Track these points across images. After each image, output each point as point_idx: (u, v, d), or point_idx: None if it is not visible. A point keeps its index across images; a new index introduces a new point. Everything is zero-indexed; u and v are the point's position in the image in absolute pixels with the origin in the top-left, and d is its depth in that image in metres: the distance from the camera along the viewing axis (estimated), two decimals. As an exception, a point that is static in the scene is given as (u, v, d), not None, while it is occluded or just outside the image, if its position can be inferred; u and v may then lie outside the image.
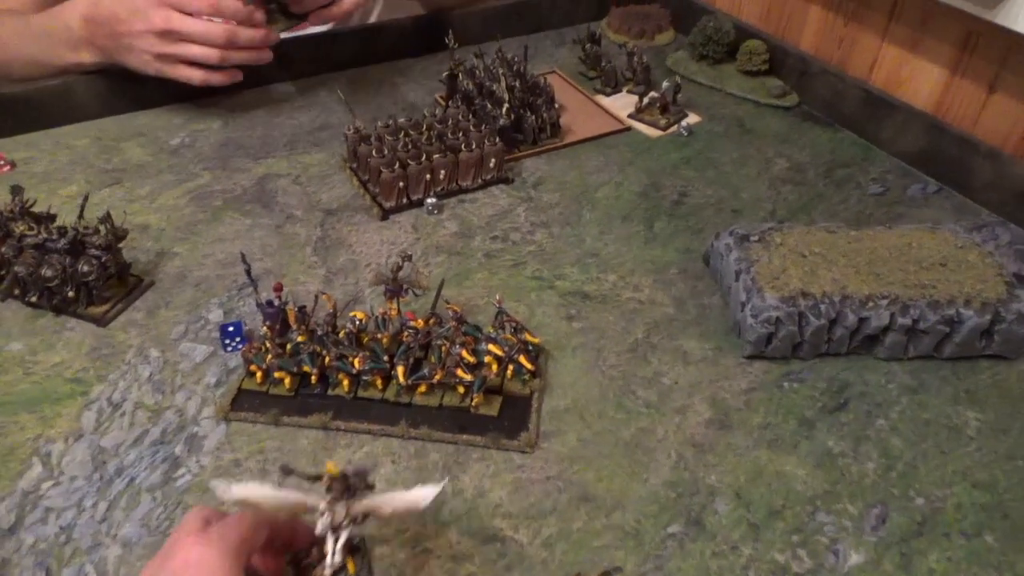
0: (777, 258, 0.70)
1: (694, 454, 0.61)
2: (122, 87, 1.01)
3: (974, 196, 0.89)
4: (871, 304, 0.66)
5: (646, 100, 1.04)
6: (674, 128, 1.01)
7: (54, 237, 0.70)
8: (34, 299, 0.71)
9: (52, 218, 0.75)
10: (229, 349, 0.68)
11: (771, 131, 1.02)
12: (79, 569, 0.53)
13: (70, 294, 0.70)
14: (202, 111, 1.03)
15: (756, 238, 0.73)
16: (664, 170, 0.94)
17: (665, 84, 1.01)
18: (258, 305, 0.68)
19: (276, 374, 0.64)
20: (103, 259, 0.71)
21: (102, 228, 0.71)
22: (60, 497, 0.57)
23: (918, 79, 0.96)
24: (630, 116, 1.04)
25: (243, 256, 0.68)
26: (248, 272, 0.67)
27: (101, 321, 0.71)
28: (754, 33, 1.12)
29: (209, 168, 0.93)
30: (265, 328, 0.66)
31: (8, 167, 0.91)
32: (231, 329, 0.69)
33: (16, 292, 0.72)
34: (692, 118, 1.03)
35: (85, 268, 0.70)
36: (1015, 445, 0.62)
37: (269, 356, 0.64)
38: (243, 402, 0.64)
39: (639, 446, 0.61)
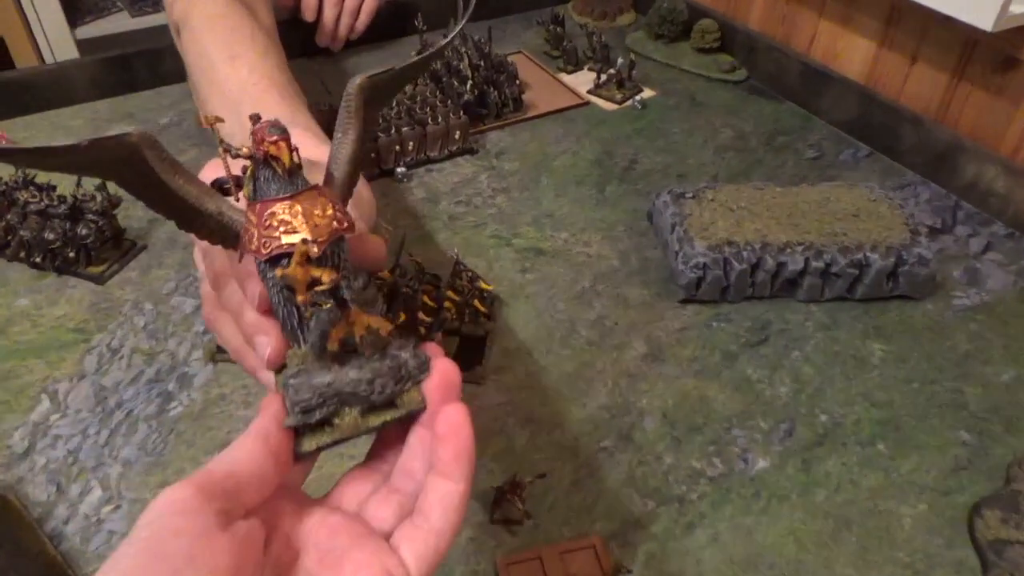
0: (708, 212, 0.78)
1: (628, 383, 0.69)
2: (114, 72, 1.08)
3: (901, 159, 0.97)
4: (789, 250, 0.74)
5: (604, 77, 1.11)
6: (629, 102, 1.09)
7: (55, 204, 0.77)
8: (38, 260, 0.78)
9: (53, 188, 0.82)
10: (215, 301, 0.76)
11: (720, 104, 1.09)
12: (85, 484, 0.60)
13: (71, 255, 0.77)
14: (187, 94, 1.10)
15: (691, 195, 0.80)
16: (617, 140, 1.02)
17: (620, 61, 1.09)
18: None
19: (257, 320, 0.71)
20: (100, 223, 0.78)
21: (98, 196, 0.79)
22: (67, 427, 0.65)
23: (851, 52, 1.04)
24: (589, 92, 1.11)
25: (226, 217, 0.76)
26: (231, 231, 0.74)
27: (99, 279, 0.79)
28: (706, 12, 1.20)
29: (195, 144, 1.00)
30: (247, 281, 0.73)
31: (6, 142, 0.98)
32: (217, 283, 0.76)
33: (22, 255, 0.79)
34: (646, 93, 1.11)
35: (83, 231, 0.77)
36: (912, 371, 0.70)
37: (251, 305, 0.71)
38: (228, 346, 0.71)
39: (580, 377, 0.69)
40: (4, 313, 0.75)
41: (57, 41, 1.87)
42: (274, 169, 0.36)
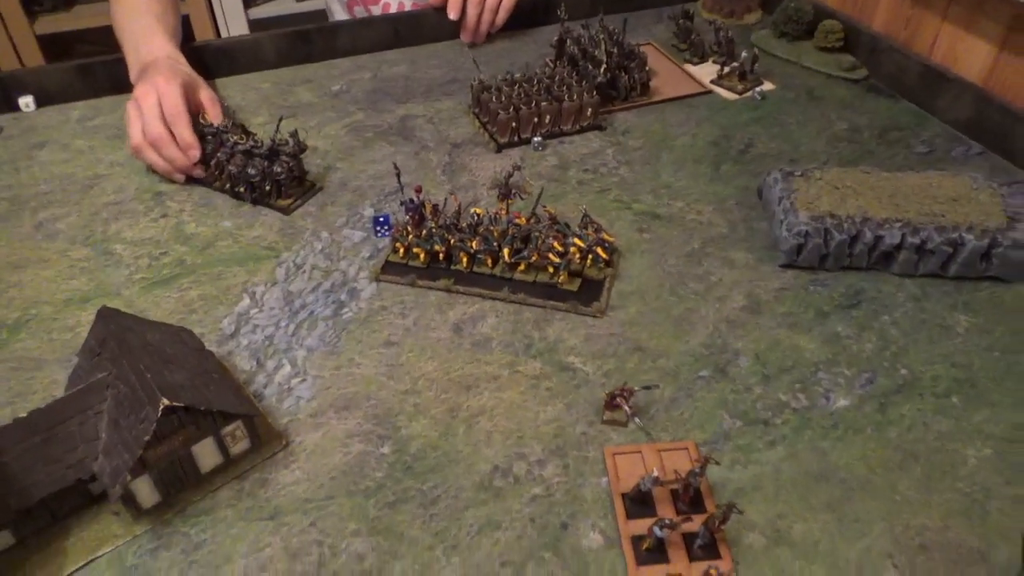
0: (814, 189, 0.86)
1: (727, 328, 0.78)
2: (296, 44, 1.26)
3: (1013, 159, 1.01)
4: (887, 226, 0.81)
5: (727, 69, 1.20)
6: (749, 93, 1.17)
7: (259, 145, 0.94)
8: (240, 190, 0.95)
9: (254, 134, 0.99)
10: (379, 234, 0.91)
11: (837, 99, 1.16)
12: (278, 361, 0.76)
13: (267, 188, 0.94)
14: (357, 66, 1.27)
15: (799, 174, 0.89)
16: (735, 126, 1.10)
17: (744, 54, 1.17)
18: (402, 203, 0.89)
19: (415, 250, 0.85)
20: (291, 164, 0.94)
21: (290, 140, 0.95)
22: (263, 318, 0.81)
23: (970, 55, 1.08)
24: (712, 82, 1.20)
25: (395, 164, 0.91)
26: (398, 175, 0.89)
27: (286, 211, 0.95)
28: (832, 14, 1.26)
29: (362, 108, 1.16)
30: (408, 218, 0.88)
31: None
32: (381, 219, 0.91)
33: (228, 186, 0.97)
34: (767, 86, 1.19)
35: (278, 169, 0.94)
36: (995, 341, 0.76)
37: (410, 237, 0.86)
38: (389, 270, 0.86)
39: (685, 320, 0.80)
40: (212, 231, 0.92)
41: (233, 20, 2.11)
42: None
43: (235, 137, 0.96)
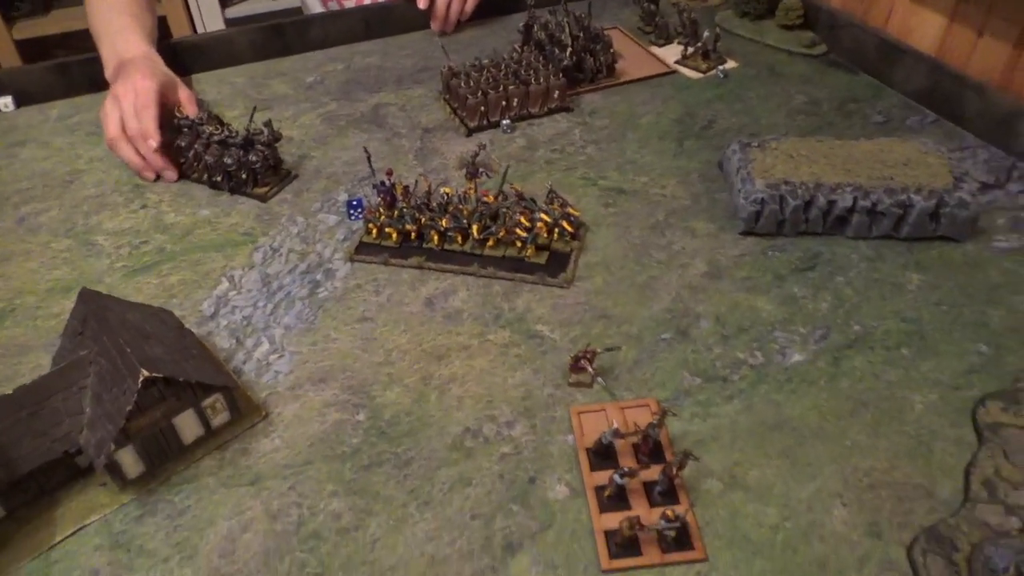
0: (770, 158, 0.89)
1: (689, 293, 0.82)
2: (269, 38, 1.28)
3: (964, 125, 1.04)
4: (839, 190, 0.85)
5: (691, 49, 1.23)
6: (713, 72, 1.21)
7: (233, 135, 0.96)
8: (217, 179, 0.98)
9: (229, 125, 1.01)
10: (352, 217, 0.93)
11: (797, 74, 1.19)
12: (257, 339, 0.79)
13: (243, 177, 0.97)
14: (330, 58, 1.30)
15: (756, 144, 0.92)
16: (699, 104, 1.14)
17: (706, 34, 1.21)
18: (374, 186, 0.92)
19: (387, 230, 0.88)
20: (266, 153, 0.97)
21: (265, 130, 0.98)
22: (242, 300, 0.83)
23: (923, 27, 1.12)
24: (676, 62, 1.23)
25: (365, 149, 0.93)
26: (368, 159, 0.92)
27: (263, 199, 0.98)
28: (792, -8, 1.29)
29: (336, 99, 1.19)
30: (380, 200, 0.90)
31: (188, 96, 1.19)
32: (354, 203, 0.94)
33: (205, 176, 0.99)
34: (730, 64, 1.22)
35: (253, 158, 0.96)
36: (944, 296, 0.80)
37: (382, 218, 0.88)
38: (362, 250, 0.88)
39: (648, 287, 0.83)
40: (191, 219, 0.95)
41: (209, 19, 2.13)
42: None
43: (210, 128, 0.98)
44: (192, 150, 0.99)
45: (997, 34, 1.02)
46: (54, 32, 2.20)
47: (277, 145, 0.99)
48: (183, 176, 1.02)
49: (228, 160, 0.96)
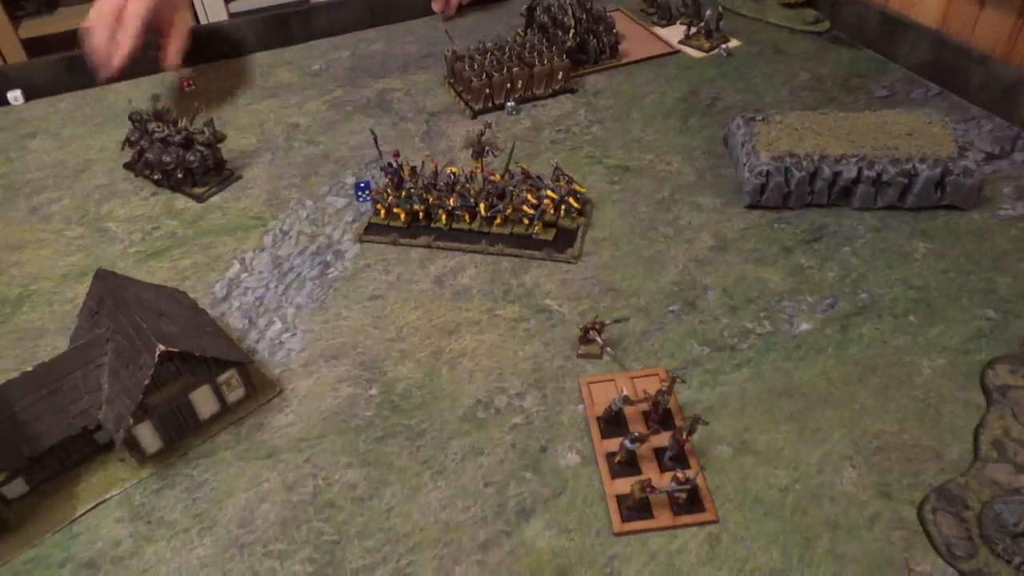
0: (774, 132, 0.90)
1: (696, 266, 0.82)
2: (275, 28, 1.29)
3: (968, 97, 1.04)
4: (844, 161, 0.85)
5: (694, 29, 1.23)
6: (716, 51, 1.21)
7: (173, 134, 0.97)
8: (157, 177, 0.98)
9: (176, 122, 1.00)
10: (360, 199, 0.94)
11: (800, 52, 1.19)
12: (269, 319, 0.80)
13: (179, 176, 0.97)
14: (335, 46, 1.31)
15: (761, 118, 0.92)
16: (702, 82, 1.14)
17: (708, 12, 1.21)
18: (381, 168, 0.93)
19: (395, 211, 0.89)
20: (205, 153, 0.97)
21: (206, 130, 0.98)
22: (253, 281, 0.84)
23: (925, 0, 1.11)
24: (679, 42, 1.24)
25: (372, 131, 0.94)
26: (375, 140, 0.93)
27: (200, 199, 0.96)
28: (794, -30, 1.29)
29: (341, 86, 1.19)
30: (387, 181, 0.91)
31: (191, 85, 1.20)
32: (362, 185, 0.94)
33: (147, 172, 0.99)
34: (733, 42, 1.22)
35: (191, 158, 0.96)
36: (951, 264, 0.80)
37: (390, 199, 0.89)
38: (371, 231, 0.89)
39: (655, 261, 0.83)
40: (201, 205, 0.96)
41: (213, 12, 2.14)
42: None
43: (154, 125, 0.98)
44: (138, 145, 0.99)
45: (1000, 5, 1.02)
46: (59, 31, 2.21)
47: (220, 146, 1.00)
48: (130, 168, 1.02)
49: (166, 158, 0.96)
